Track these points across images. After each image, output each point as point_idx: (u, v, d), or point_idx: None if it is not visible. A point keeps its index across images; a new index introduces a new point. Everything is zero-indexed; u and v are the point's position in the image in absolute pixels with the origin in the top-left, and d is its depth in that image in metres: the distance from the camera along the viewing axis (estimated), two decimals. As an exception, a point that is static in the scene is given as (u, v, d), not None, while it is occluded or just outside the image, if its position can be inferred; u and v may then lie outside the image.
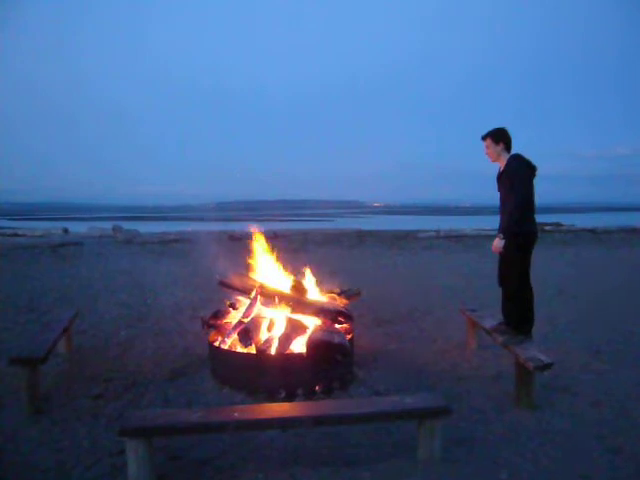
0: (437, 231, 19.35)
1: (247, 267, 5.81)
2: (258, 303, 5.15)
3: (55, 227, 20.46)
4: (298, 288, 5.31)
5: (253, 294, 5.21)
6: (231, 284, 5.52)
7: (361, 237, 18.66)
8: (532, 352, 4.43)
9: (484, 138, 5.15)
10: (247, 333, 4.67)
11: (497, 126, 5.13)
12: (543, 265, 13.02)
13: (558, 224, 22.55)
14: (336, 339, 4.50)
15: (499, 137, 5.08)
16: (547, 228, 21.78)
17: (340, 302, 5.55)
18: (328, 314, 4.92)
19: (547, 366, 4.25)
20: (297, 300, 5.17)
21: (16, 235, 18.59)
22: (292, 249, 14.80)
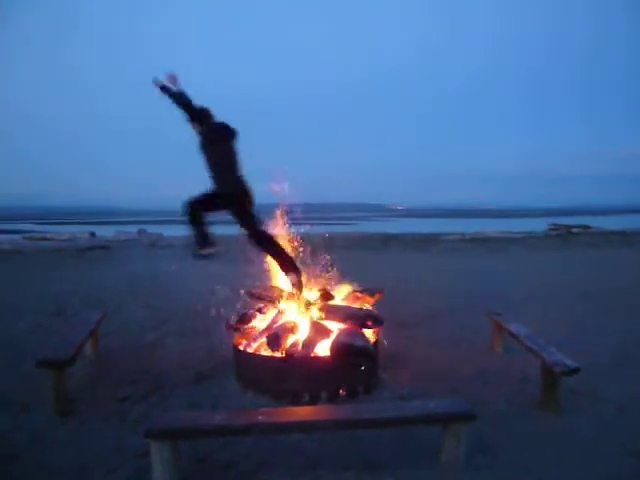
0: (462, 234, 19.22)
1: (273, 274, 5.83)
2: (287, 310, 5.17)
3: (82, 231, 20.76)
4: (326, 295, 5.32)
5: (282, 302, 5.23)
6: (259, 295, 5.52)
7: (385, 240, 18.62)
8: (558, 356, 4.38)
9: None
10: (277, 338, 4.68)
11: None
12: (570, 268, 12.86)
13: (586, 226, 22.22)
14: (360, 342, 4.48)
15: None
16: (575, 230, 21.45)
17: (364, 300, 5.53)
18: (356, 318, 4.89)
19: (574, 371, 4.20)
20: (325, 307, 5.17)
21: (45, 239, 18.92)
22: (317, 253, 14.80)
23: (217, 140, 5.14)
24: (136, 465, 3.58)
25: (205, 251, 5.41)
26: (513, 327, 5.43)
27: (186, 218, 5.34)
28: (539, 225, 25.05)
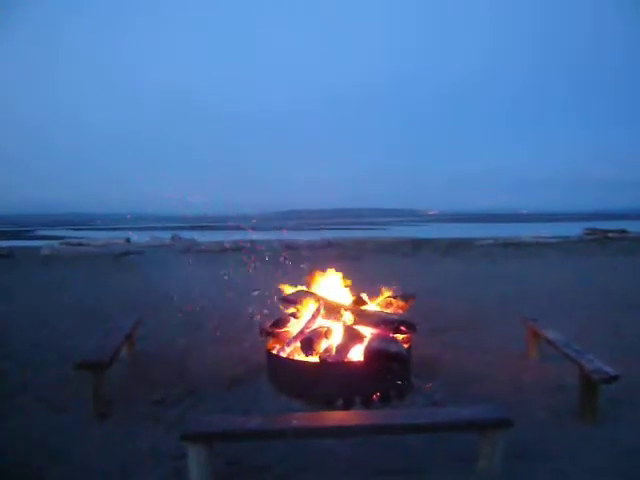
0: (495, 239, 19.02)
1: (306, 280, 5.84)
2: (320, 316, 5.18)
3: (117, 237, 21.15)
4: (359, 301, 5.32)
5: (315, 307, 5.24)
6: (293, 300, 5.54)
7: (416, 245, 18.52)
8: (597, 364, 4.28)
9: None
10: (310, 342, 4.69)
11: None
12: (607, 274, 12.61)
13: (622, 231, 21.79)
14: (393, 348, 4.47)
15: None
16: (611, 235, 21.03)
17: (396, 305, 5.52)
18: (389, 324, 4.88)
19: (613, 378, 4.09)
20: (359, 312, 5.17)
21: (81, 245, 19.33)
22: (348, 258, 14.81)
23: None
24: (173, 466, 3.63)
25: None
26: (549, 333, 5.34)
27: None
28: (574, 230, 24.64)
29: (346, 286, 5.80)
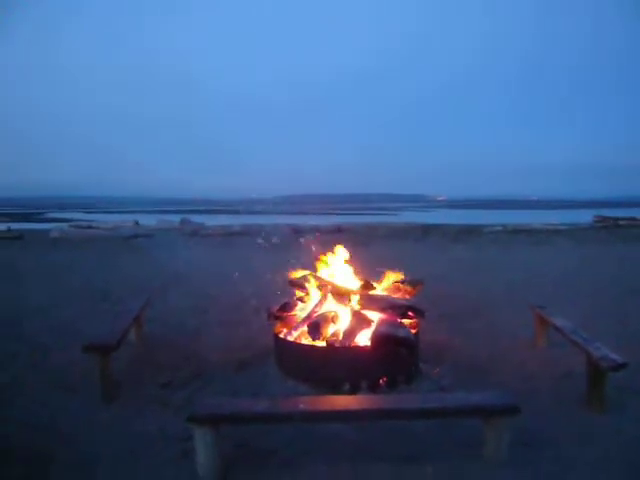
0: (504, 225, 18.94)
1: (314, 265, 5.82)
2: (327, 300, 5.17)
3: (126, 220, 21.22)
4: (367, 286, 5.31)
5: (323, 292, 5.23)
6: (301, 284, 5.53)
7: (426, 231, 18.47)
8: (605, 351, 4.25)
9: None
10: (317, 326, 4.69)
11: None
12: (615, 262, 12.52)
13: (633, 218, 21.63)
14: (401, 333, 4.46)
15: None
16: (621, 223, 20.89)
17: (404, 290, 5.50)
18: (397, 309, 4.87)
19: (621, 366, 4.07)
20: (367, 297, 5.16)
21: (90, 227, 19.43)
22: (358, 243, 14.79)
23: None
24: (181, 448, 3.65)
25: None
26: (558, 320, 5.30)
27: None
28: (583, 217, 24.47)
29: (349, 263, 5.77)
